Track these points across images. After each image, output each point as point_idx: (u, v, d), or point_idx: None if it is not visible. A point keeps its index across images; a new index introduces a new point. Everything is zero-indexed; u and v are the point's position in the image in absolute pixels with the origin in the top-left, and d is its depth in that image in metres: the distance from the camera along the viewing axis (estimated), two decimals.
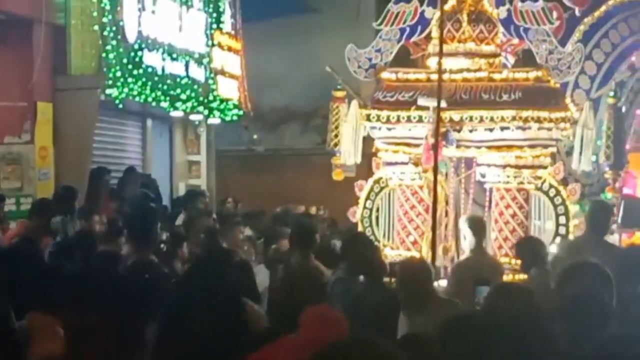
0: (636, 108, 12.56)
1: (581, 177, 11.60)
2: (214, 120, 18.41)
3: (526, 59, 10.45)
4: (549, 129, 9.93)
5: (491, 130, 10.00)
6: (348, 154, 11.26)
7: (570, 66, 9.96)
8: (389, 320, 7.18)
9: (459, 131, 10.16)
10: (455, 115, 10.19)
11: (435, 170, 9.21)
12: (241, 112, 18.64)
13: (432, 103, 10.08)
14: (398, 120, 10.62)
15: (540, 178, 10.18)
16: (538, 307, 5.23)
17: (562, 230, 10.10)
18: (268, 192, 18.48)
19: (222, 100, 18.28)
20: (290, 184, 19.49)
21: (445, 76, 10.44)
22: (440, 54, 8.87)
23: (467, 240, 9.53)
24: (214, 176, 19.02)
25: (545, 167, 10.20)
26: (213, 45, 18.27)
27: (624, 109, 10.89)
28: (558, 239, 10.04)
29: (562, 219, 10.12)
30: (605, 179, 11.98)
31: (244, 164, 20.23)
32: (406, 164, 10.81)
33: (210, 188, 18.43)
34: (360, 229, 11.36)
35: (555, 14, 11.83)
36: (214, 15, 18.37)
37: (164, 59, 17.05)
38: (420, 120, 10.45)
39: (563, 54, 9.99)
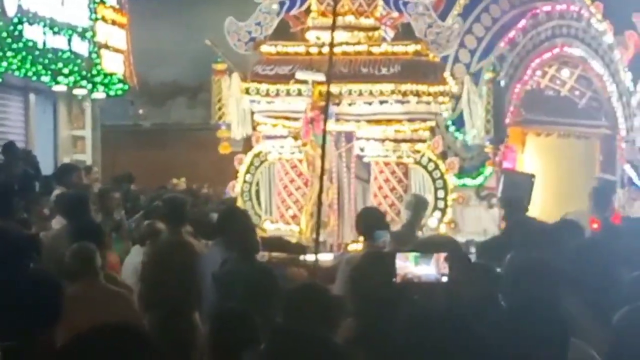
0: (516, 82, 12.41)
1: (461, 151, 11.44)
2: (99, 94, 17.88)
3: (406, 33, 10.18)
4: (428, 103, 9.69)
5: (370, 103, 9.74)
6: (237, 127, 10.96)
7: (449, 40, 9.72)
8: (261, 297, 6.88)
9: (338, 104, 9.85)
10: (335, 88, 9.85)
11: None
12: (126, 87, 18.12)
13: (310, 76, 9.80)
14: (277, 94, 10.29)
15: (419, 152, 9.95)
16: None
17: (440, 204, 9.89)
18: (155, 167, 18.02)
19: (106, 75, 17.77)
20: (178, 159, 19.05)
21: (325, 49, 10.18)
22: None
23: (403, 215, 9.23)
24: (100, 151, 18.46)
25: (424, 141, 9.97)
26: (97, 19, 17.71)
27: (502, 83, 10.69)
28: (436, 212, 9.84)
29: (441, 193, 9.91)
30: (486, 152, 11.81)
31: (130, 139, 19.70)
32: (285, 137, 10.50)
33: (95, 163, 17.87)
34: (239, 202, 11.05)
35: None
36: None
37: (45, 33, 16.53)
38: (299, 93, 10.13)
39: (442, 28, 9.73)
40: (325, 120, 8.81)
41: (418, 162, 9.95)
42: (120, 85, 17.97)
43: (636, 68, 15.93)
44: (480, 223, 11.80)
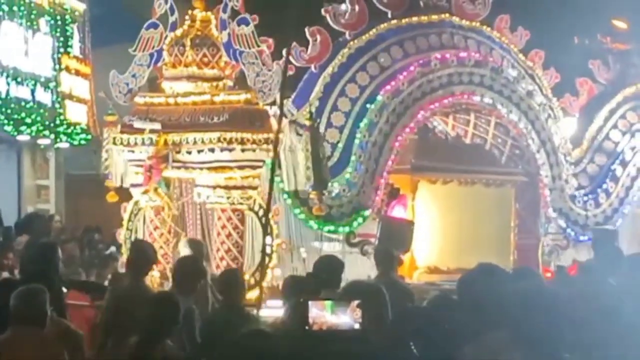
0: (400, 130, 12.89)
1: (327, 199, 12.03)
2: (62, 144, 18.88)
3: (244, 82, 10.92)
4: (253, 150, 10.42)
5: (201, 151, 10.49)
6: (117, 176, 11.75)
7: (271, 88, 10.45)
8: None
9: (178, 152, 10.64)
10: (176, 137, 10.68)
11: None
12: (89, 136, 19.07)
13: (147, 125, 10.62)
14: (135, 143, 11.09)
15: (251, 198, 10.65)
16: None
17: (268, 249, 10.55)
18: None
19: (69, 125, 18.76)
20: None
21: (179, 100, 11.02)
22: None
23: None
24: (63, 200, 19.46)
25: (255, 188, 10.67)
26: (61, 69, 18.77)
27: (322, 129, 11.30)
28: (266, 259, 10.51)
29: (268, 239, 10.58)
30: (357, 200, 12.40)
31: (94, 188, 20.49)
32: None
33: (59, 212, 18.85)
34: (124, 250, 11.81)
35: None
36: (62, 39, 18.88)
37: (8, 83, 17.60)
38: (152, 143, 10.92)
39: (266, 76, 10.49)
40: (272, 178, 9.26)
41: (251, 209, 10.65)
42: (83, 135, 18.95)
43: (589, 114, 16.36)
44: (361, 270, 12.30)
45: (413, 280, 12.64)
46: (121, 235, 11.97)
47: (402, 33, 13.46)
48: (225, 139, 10.36)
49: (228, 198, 10.64)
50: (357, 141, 12.44)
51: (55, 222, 17.28)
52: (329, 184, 11.81)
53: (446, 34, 13.85)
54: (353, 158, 12.36)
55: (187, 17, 11.22)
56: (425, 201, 13.24)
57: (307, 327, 5.62)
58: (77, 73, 19.12)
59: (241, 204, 10.66)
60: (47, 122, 18.36)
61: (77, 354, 7.11)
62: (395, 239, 12.24)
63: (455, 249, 13.37)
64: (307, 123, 10.76)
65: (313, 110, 11.43)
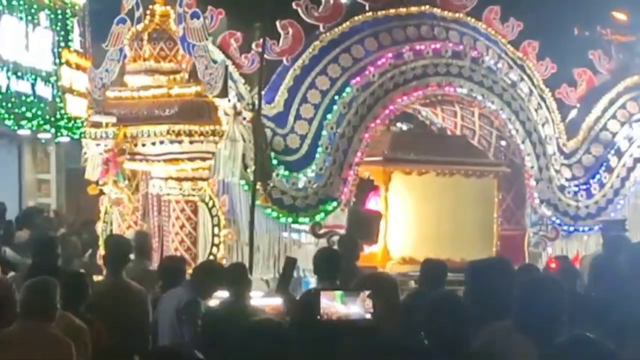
0: (370, 121, 13.36)
1: (291, 190, 12.58)
2: (63, 138, 19.66)
3: (196, 75, 11.50)
4: (201, 142, 11.04)
5: (154, 144, 11.13)
6: (91, 170, 12.41)
7: (217, 80, 11.04)
8: None
9: (135, 145, 11.29)
10: (134, 130, 11.33)
11: None
12: None
13: (103, 119, 11.28)
14: (101, 137, 11.75)
15: (201, 189, 11.27)
16: None
17: (216, 240, 11.19)
18: None
19: (70, 119, 19.55)
20: None
21: (142, 93, 11.65)
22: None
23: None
24: (64, 194, 20.24)
25: (205, 179, 11.29)
26: (61, 63, 19.56)
27: (290, 121, 11.80)
28: (214, 249, 11.13)
29: (216, 229, 11.22)
30: (324, 191, 12.88)
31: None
32: None
33: (60, 206, 19.63)
34: (101, 242, 12.47)
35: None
36: (62, 33, 19.69)
37: (8, 78, 18.42)
38: (114, 136, 11.58)
39: (213, 69, 11.09)
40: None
41: (202, 200, 11.28)
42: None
43: (588, 104, 16.70)
44: None
45: (386, 270, 13.07)
46: (98, 227, 12.57)
47: (378, 25, 13.78)
48: (173, 131, 11.01)
49: (180, 189, 11.26)
50: (324, 133, 12.91)
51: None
52: (299, 175, 12.46)
53: (426, 25, 14.15)
54: (320, 150, 12.82)
55: (147, 11, 11.80)
56: (400, 192, 13.60)
57: (318, 317, 5.92)
58: (78, 67, 19.89)
59: (192, 195, 11.26)
60: (47, 116, 19.16)
61: (80, 347, 7.15)
62: (362, 230, 12.74)
63: (433, 239, 13.71)
64: (250, 114, 11.32)
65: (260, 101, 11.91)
